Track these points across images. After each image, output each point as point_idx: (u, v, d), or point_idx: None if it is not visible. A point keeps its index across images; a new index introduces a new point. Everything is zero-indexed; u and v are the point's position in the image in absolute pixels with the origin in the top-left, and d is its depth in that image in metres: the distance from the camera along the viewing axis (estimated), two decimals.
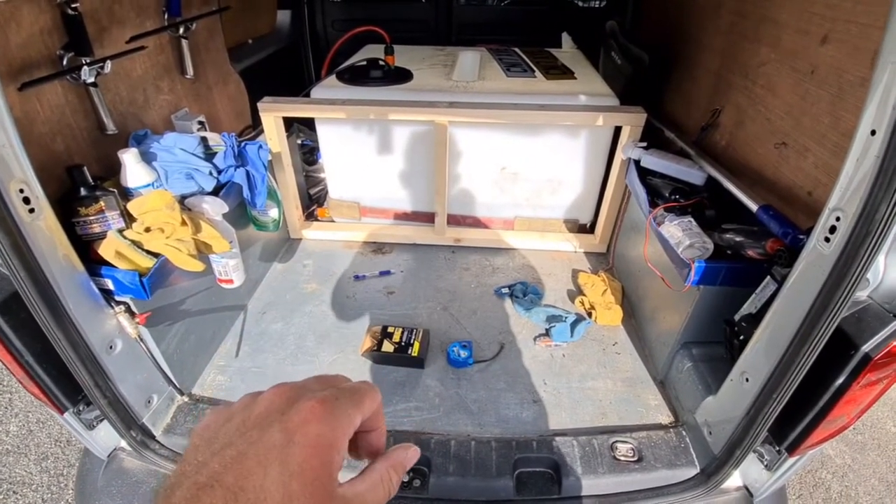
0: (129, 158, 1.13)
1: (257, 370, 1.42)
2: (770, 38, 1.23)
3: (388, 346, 1.44)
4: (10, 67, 0.97)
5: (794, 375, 0.87)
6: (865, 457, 1.80)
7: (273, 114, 1.69)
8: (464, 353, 1.44)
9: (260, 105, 1.67)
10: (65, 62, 1.08)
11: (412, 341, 1.46)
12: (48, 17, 1.03)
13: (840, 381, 0.84)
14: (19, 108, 1.00)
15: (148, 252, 1.09)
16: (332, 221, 2.11)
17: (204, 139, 1.36)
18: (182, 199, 1.23)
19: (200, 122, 1.54)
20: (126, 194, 1.17)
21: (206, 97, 1.65)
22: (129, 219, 1.11)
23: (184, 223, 1.09)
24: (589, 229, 2.03)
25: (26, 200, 0.84)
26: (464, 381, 1.40)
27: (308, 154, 2.36)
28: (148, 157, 1.22)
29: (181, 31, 1.44)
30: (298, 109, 1.70)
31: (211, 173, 1.30)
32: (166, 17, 1.40)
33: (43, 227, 0.88)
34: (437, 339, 1.53)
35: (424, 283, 1.80)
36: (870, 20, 0.89)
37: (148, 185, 1.17)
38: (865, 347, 0.79)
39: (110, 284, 1.05)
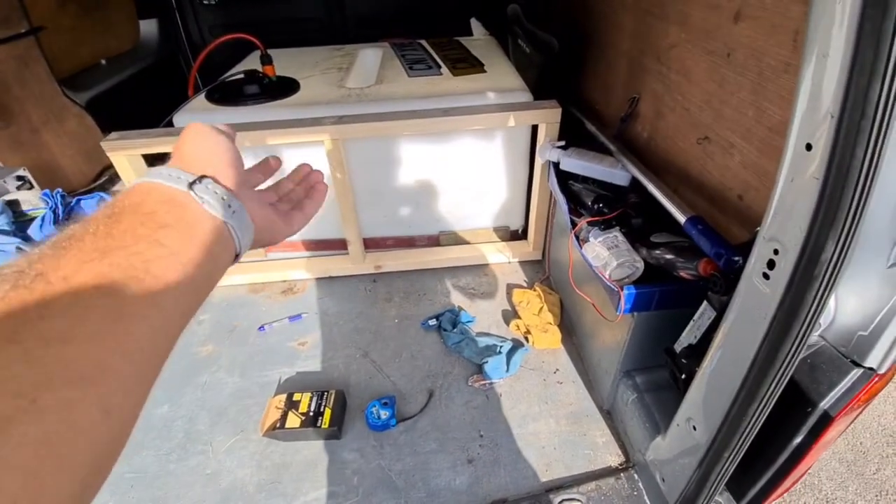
0: None
1: (133, 475, 1.16)
2: (678, 15, 1.07)
3: (293, 420, 1.21)
4: None
5: (746, 434, 0.72)
6: None
7: (124, 152, 1.39)
8: (385, 414, 1.23)
9: (104, 144, 1.36)
10: None
11: (322, 409, 1.23)
12: None
13: (799, 440, 0.69)
14: None
15: None
16: None
17: (12, 204, 1.07)
18: None
19: (20, 178, 1.23)
20: None
21: (30, 143, 1.33)
22: None
23: None
24: (522, 235, 1.86)
25: None
26: (387, 447, 1.20)
27: None
28: None
29: None
30: (156, 143, 1.40)
31: (20, 250, 1.01)
32: None
33: None
34: (357, 396, 1.32)
35: (341, 324, 1.57)
36: None
37: None
38: (824, 404, 0.64)
39: None
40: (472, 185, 1.70)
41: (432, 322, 1.54)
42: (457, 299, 1.65)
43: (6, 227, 1.02)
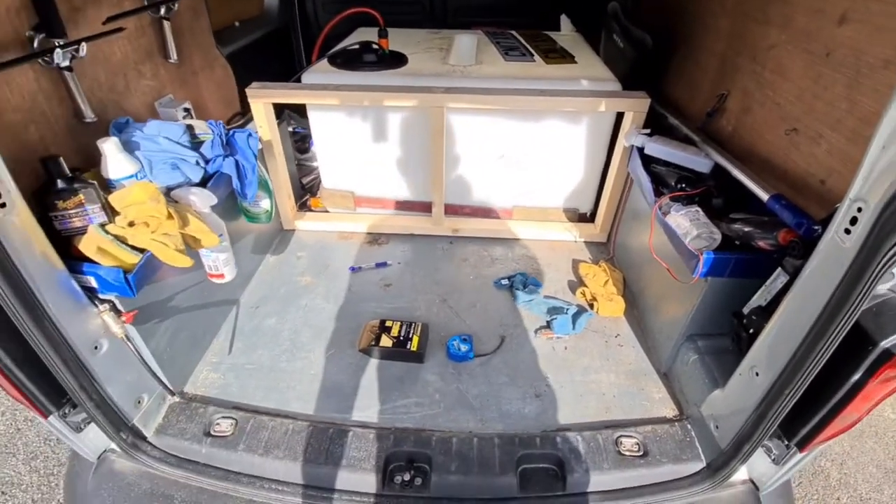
0: (110, 148, 1.07)
1: (251, 367, 1.38)
2: (781, 19, 1.18)
3: (386, 341, 1.40)
4: None
5: (809, 371, 0.84)
6: (864, 444, 1.81)
7: (262, 100, 1.62)
8: (464, 347, 1.40)
9: (248, 91, 1.59)
10: (35, 44, 1.01)
11: (411, 335, 1.42)
12: None
13: (856, 377, 0.81)
14: None
15: (132, 247, 1.03)
16: (326, 212, 2.05)
17: (190, 127, 1.30)
18: (168, 191, 1.17)
19: (186, 110, 1.47)
20: (107, 186, 1.11)
21: (191, 83, 1.58)
22: (111, 212, 1.05)
23: (170, 216, 1.04)
24: (589, 218, 2.00)
25: None
26: (464, 375, 1.37)
27: (300, 142, 2.29)
28: (130, 147, 1.16)
29: (163, 11, 1.36)
30: (289, 95, 1.63)
31: (198, 163, 1.24)
32: None
33: (16, 223, 0.82)
34: (437, 332, 1.50)
35: (422, 274, 1.75)
36: None
37: (131, 176, 1.11)
38: (885, 343, 0.76)
39: (93, 282, 1.00)
40: (551, 166, 1.85)
41: (504, 282, 1.70)
42: (526, 266, 1.80)
43: (188, 144, 1.25)
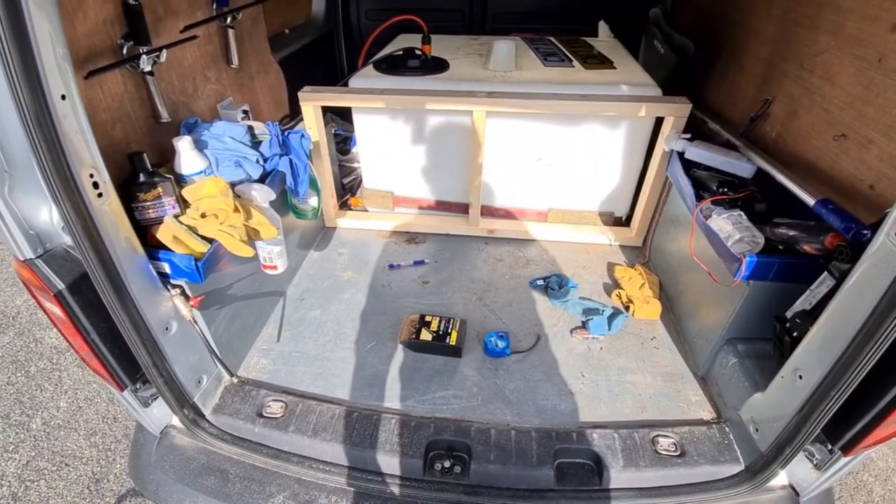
0: (184, 146, 1.16)
1: (298, 354, 1.46)
2: (830, 25, 1.19)
3: (426, 335, 1.45)
4: (76, 56, 1.01)
5: (855, 375, 0.85)
6: None
7: (313, 103, 1.71)
8: (501, 344, 1.44)
9: (301, 94, 1.69)
10: (125, 51, 1.11)
11: (450, 330, 1.47)
12: (111, 6, 1.06)
13: None
14: (84, 96, 1.03)
15: (202, 237, 1.12)
16: (366, 211, 2.13)
17: (251, 128, 1.39)
18: (232, 187, 1.26)
19: (245, 112, 1.57)
20: (179, 181, 1.20)
21: (248, 86, 1.68)
22: (183, 205, 1.14)
23: (236, 210, 1.12)
24: (625, 222, 2.01)
25: (95, 185, 0.88)
26: (501, 371, 1.41)
27: (341, 143, 2.38)
28: (199, 145, 1.26)
29: (228, 20, 1.46)
30: (338, 99, 1.71)
31: (258, 161, 1.32)
32: (214, 7, 1.42)
33: (109, 212, 0.92)
34: (474, 329, 1.54)
35: (459, 273, 1.80)
36: None
37: (200, 172, 1.20)
38: None
39: (167, 268, 1.09)
40: (588, 169, 1.87)
41: (540, 282, 1.73)
42: (561, 268, 1.83)
43: (249, 144, 1.34)
